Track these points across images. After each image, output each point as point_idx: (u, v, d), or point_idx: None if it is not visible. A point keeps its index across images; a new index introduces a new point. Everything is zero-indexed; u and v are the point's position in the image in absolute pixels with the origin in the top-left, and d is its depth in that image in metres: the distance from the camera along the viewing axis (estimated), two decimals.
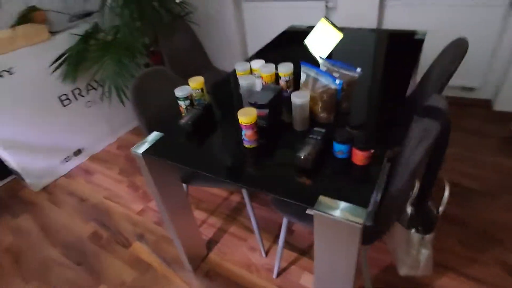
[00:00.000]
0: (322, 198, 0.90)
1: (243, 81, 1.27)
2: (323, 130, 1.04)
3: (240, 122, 1.08)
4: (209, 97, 1.40)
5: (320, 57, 1.28)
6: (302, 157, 0.96)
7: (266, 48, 1.98)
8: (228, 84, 1.62)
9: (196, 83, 1.32)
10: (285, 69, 1.33)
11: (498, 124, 2.26)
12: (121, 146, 2.68)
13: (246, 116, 1.05)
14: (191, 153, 1.15)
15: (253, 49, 3.14)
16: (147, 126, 1.42)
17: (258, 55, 1.89)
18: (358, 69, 1.16)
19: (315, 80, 1.17)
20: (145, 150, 1.19)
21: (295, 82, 1.38)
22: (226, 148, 1.15)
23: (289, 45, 1.96)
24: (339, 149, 1.01)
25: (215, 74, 2.40)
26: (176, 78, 1.61)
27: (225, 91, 1.54)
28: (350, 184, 0.94)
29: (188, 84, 1.33)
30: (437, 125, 0.90)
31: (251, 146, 1.13)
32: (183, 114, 1.32)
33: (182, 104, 1.28)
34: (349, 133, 1.00)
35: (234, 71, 1.71)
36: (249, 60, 1.76)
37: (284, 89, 1.39)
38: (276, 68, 1.36)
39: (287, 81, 1.35)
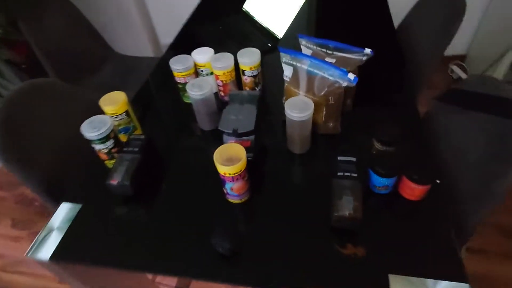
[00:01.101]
0: (397, 283, 0.56)
1: (196, 92, 0.79)
2: (354, 159, 0.68)
3: (222, 174, 0.64)
4: (139, 122, 0.88)
5: (300, 36, 0.87)
6: (346, 216, 0.59)
7: (190, 24, 1.44)
8: (162, 91, 1.09)
9: (115, 105, 0.79)
10: (250, 59, 0.89)
11: (440, 72, 2.22)
12: (4, 183, 1.90)
13: (233, 164, 0.62)
14: (140, 238, 0.68)
15: (159, 20, 2.47)
16: (42, 189, 0.85)
17: (185, 37, 1.36)
18: (367, 50, 0.79)
19: (311, 75, 0.77)
20: (55, 251, 0.66)
21: (263, 76, 0.96)
22: (199, 212, 0.71)
23: (223, 16, 1.44)
24: (383, 183, 0.67)
25: (124, 65, 1.76)
26: (75, 92, 1.02)
27: (162, 107, 1.02)
28: (418, 239, 0.62)
29: (99, 107, 0.79)
30: None
31: (241, 201, 0.71)
32: (107, 163, 0.80)
33: (102, 148, 0.75)
34: (395, 158, 0.66)
35: (161, 65, 1.17)
36: (175, 47, 1.24)
37: (249, 90, 0.96)
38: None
39: (254, 76, 0.92)
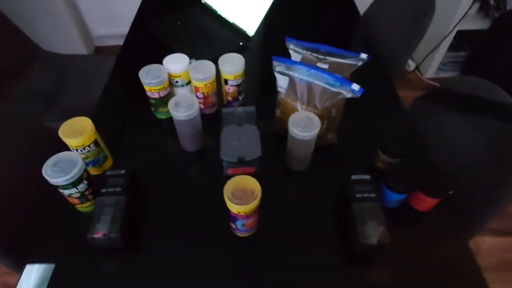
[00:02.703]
0: None
1: (182, 112, 0.68)
2: (368, 177, 0.64)
3: (235, 213, 0.56)
4: (110, 153, 0.74)
5: (288, 40, 0.80)
6: (375, 244, 0.56)
7: (140, 19, 1.26)
8: (126, 106, 0.93)
9: (83, 136, 0.64)
10: (235, 67, 0.79)
11: None
12: None
13: (247, 202, 0.54)
14: None
15: (89, 8, 2.14)
16: None
17: (136, 37, 1.19)
18: (363, 55, 0.75)
19: (311, 86, 0.71)
20: None
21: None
22: (203, 254, 0.62)
23: (179, 9, 1.27)
24: (397, 199, 0.65)
25: (57, 66, 1.49)
26: (8, 113, 0.81)
27: (131, 126, 0.86)
28: (442, 253, 0.62)
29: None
30: None
31: (251, 234, 0.64)
32: (79, 207, 0.65)
33: (73, 193, 0.60)
34: (409, 172, 0.64)
35: (119, 74, 1.00)
36: (127, 50, 1.07)
37: (231, 100, 0.87)
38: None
39: (238, 86, 0.83)
